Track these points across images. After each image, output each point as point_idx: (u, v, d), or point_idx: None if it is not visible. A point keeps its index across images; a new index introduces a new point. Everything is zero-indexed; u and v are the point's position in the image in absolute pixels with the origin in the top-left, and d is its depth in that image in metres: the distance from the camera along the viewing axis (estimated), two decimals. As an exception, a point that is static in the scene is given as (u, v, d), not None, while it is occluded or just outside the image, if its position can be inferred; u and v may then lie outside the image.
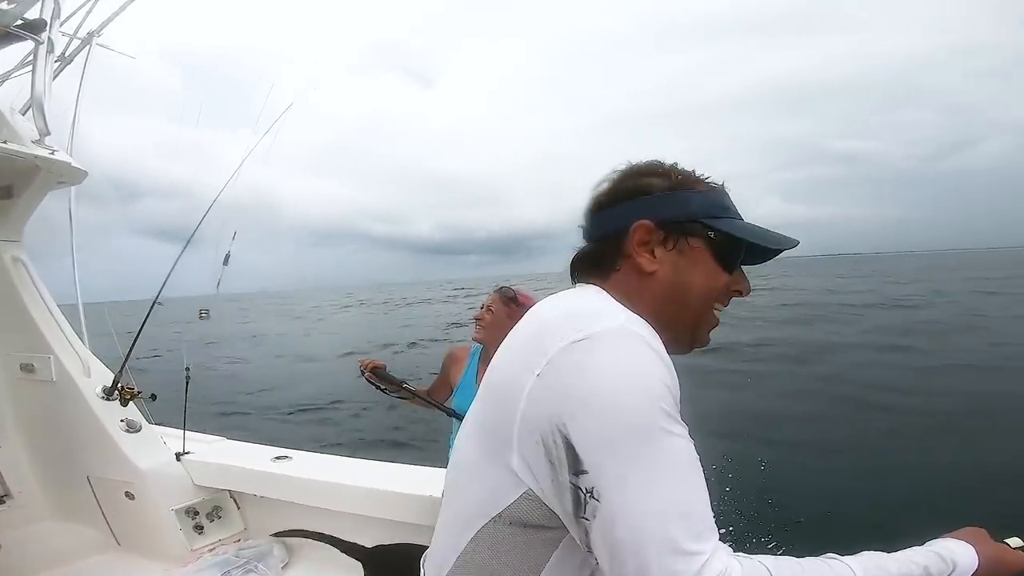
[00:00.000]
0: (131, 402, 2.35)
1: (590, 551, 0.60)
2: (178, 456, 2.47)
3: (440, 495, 1.98)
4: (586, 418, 0.57)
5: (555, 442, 0.59)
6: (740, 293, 0.77)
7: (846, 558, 0.63)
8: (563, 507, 0.60)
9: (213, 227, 2.25)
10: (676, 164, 0.78)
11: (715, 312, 0.76)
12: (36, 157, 2.04)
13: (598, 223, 0.78)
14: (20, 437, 2.53)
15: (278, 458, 2.44)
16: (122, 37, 2.77)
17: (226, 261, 2.20)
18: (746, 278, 0.78)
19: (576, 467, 0.57)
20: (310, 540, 2.44)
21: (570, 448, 0.58)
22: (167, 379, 2.51)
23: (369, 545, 2.07)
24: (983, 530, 0.72)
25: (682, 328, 0.75)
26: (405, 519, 2.16)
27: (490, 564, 0.67)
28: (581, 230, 0.81)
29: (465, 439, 0.76)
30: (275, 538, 2.50)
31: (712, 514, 0.58)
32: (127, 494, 2.38)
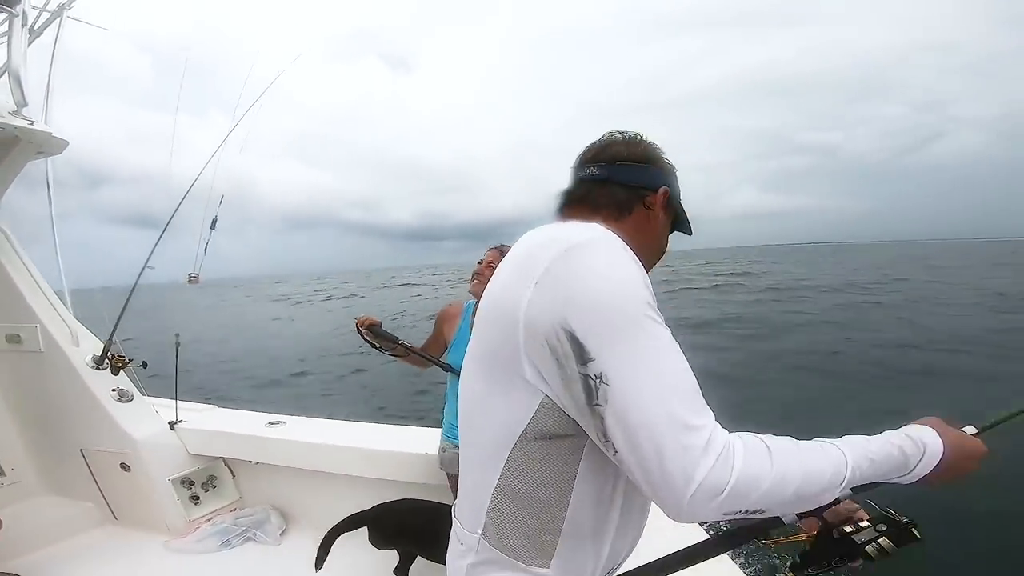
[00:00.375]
0: (122, 371, 2.31)
1: (607, 441, 0.63)
2: (171, 425, 2.45)
3: (436, 452, 1.98)
4: (586, 311, 0.62)
5: (559, 339, 0.63)
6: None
7: (835, 440, 0.69)
8: (575, 402, 0.64)
9: (182, 216, 2.23)
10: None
11: (660, 256, 0.94)
12: (16, 128, 1.99)
13: (630, 172, 0.87)
14: (9, 412, 2.49)
15: (272, 423, 2.43)
16: (92, 14, 2.70)
17: (213, 225, 2.17)
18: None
19: (583, 356, 0.62)
20: (304, 506, 2.43)
21: (574, 340, 0.62)
22: (152, 354, 2.48)
23: (365, 505, 2.06)
24: (938, 418, 0.78)
25: (648, 257, 0.86)
26: (402, 478, 2.16)
27: (525, 488, 0.72)
28: (584, 167, 0.89)
29: (470, 380, 0.79)
30: (271, 506, 2.50)
31: (700, 392, 0.63)
32: (122, 465, 2.36)
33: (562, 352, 0.63)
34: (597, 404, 0.62)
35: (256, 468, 2.46)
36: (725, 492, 0.59)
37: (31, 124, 2.11)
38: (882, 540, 0.81)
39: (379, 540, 1.96)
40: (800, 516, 0.82)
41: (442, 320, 2.04)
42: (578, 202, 0.87)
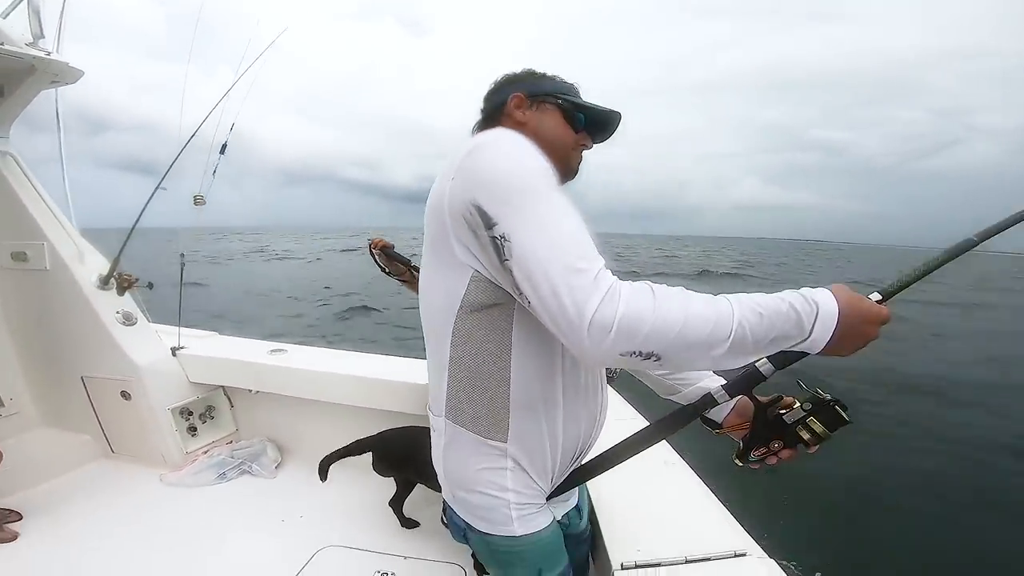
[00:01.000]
0: (127, 292, 2.30)
1: (520, 293, 0.72)
2: (173, 351, 2.43)
3: (426, 382, 1.96)
4: (487, 186, 0.74)
5: (471, 213, 0.74)
6: (586, 146, 1.04)
7: (727, 295, 0.72)
8: (492, 264, 0.75)
9: (184, 164, 2.25)
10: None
11: (576, 153, 1.04)
12: (34, 58, 2.02)
13: (490, 99, 1.05)
14: (11, 337, 2.47)
15: (274, 351, 2.41)
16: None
17: (223, 150, 2.17)
18: (589, 138, 1.05)
19: (488, 222, 0.73)
20: (299, 438, 2.40)
21: (480, 210, 0.73)
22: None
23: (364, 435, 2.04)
24: (844, 286, 0.78)
25: (551, 162, 0.90)
26: (404, 409, 2.14)
27: (471, 361, 0.84)
28: (481, 112, 1.07)
29: (423, 269, 0.90)
30: (267, 438, 2.47)
31: (594, 246, 0.72)
32: (123, 394, 2.34)
33: (474, 223, 0.74)
34: (506, 259, 0.72)
35: (254, 398, 2.44)
36: (614, 327, 0.65)
37: (47, 55, 2.14)
38: (811, 420, 0.83)
39: (383, 466, 1.93)
40: (732, 394, 0.88)
41: None
42: (477, 128, 1.06)
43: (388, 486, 1.97)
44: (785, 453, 0.88)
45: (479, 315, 0.81)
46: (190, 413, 2.44)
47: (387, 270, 2.03)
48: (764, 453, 0.88)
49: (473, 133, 1.01)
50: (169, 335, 2.47)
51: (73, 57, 2.23)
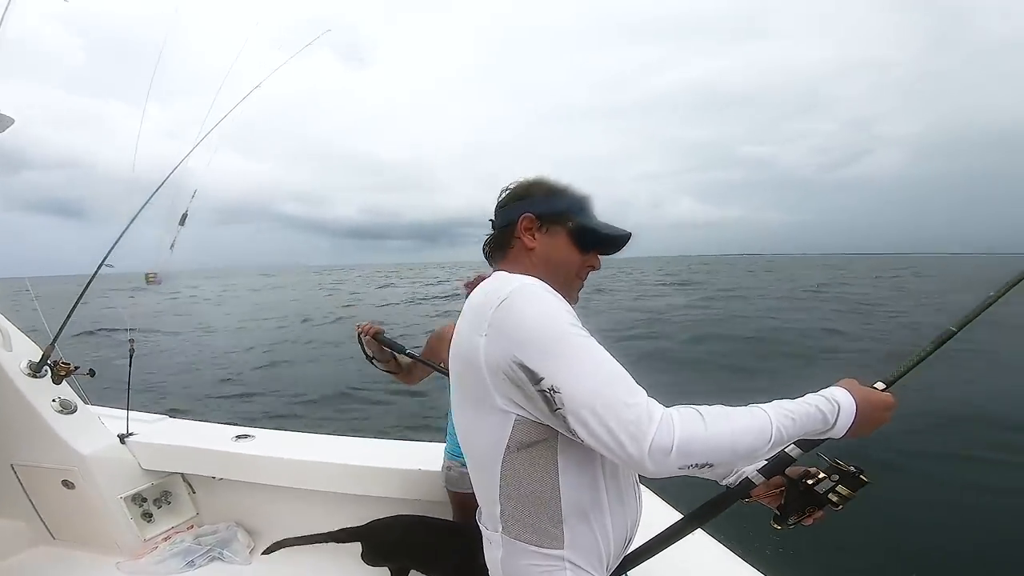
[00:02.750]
0: (64, 380, 2.04)
1: (574, 434, 0.80)
2: (122, 438, 2.20)
3: (429, 468, 1.90)
4: (526, 344, 0.81)
5: (513, 370, 0.82)
6: (592, 267, 1.06)
7: (762, 405, 0.84)
8: (542, 413, 0.83)
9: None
10: (555, 179, 1.06)
11: (580, 279, 1.05)
12: None
13: (500, 216, 1.06)
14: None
15: (240, 437, 2.23)
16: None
17: (183, 221, 1.93)
18: (597, 258, 1.05)
19: (534, 378, 0.80)
20: (271, 523, 2.27)
21: (524, 368, 0.81)
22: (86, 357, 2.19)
23: (348, 523, 1.95)
24: (854, 380, 0.93)
25: (556, 287, 0.95)
26: (386, 494, 2.05)
27: (523, 490, 0.90)
28: (491, 223, 1.09)
29: (459, 412, 0.97)
30: (236, 523, 2.32)
31: (631, 377, 0.80)
32: (65, 483, 2.10)
33: (519, 379, 0.82)
34: (558, 409, 0.80)
35: (218, 484, 2.27)
36: (673, 451, 0.75)
37: None
38: (839, 487, 0.97)
39: (375, 556, 1.85)
40: (767, 476, 0.99)
41: (436, 341, 1.92)
42: (487, 255, 1.09)
43: (376, 572, 1.89)
44: (818, 514, 1.02)
45: (525, 452, 0.88)
46: (143, 499, 2.23)
47: (373, 358, 1.92)
48: (800, 518, 1.02)
49: (484, 251, 1.10)
50: (113, 419, 2.23)
51: None
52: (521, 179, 1.08)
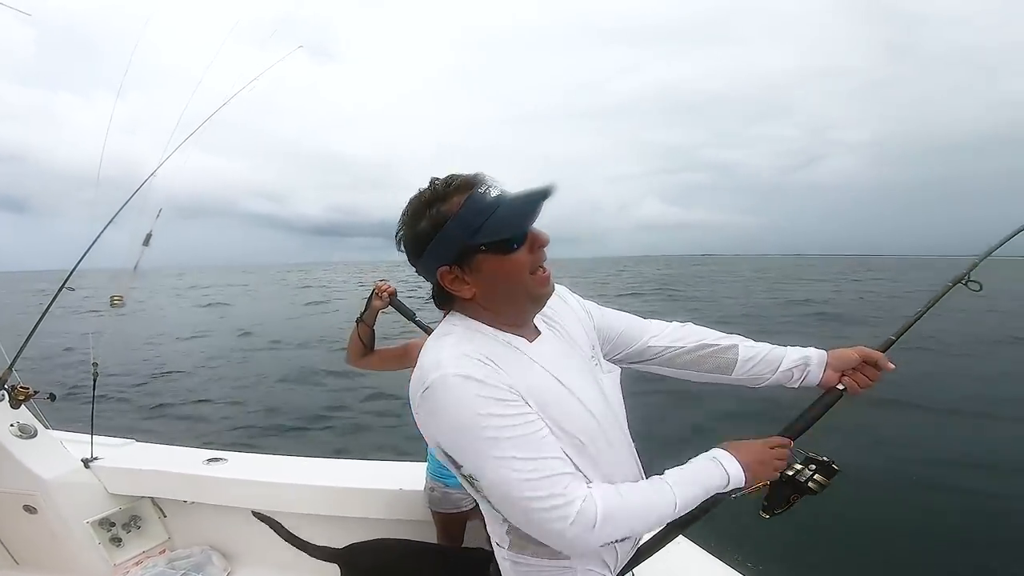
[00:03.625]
0: (23, 404, 1.94)
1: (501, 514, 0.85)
2: (86, 463, 2.12)
3: (409, 488, 1.85)
4: (443, 435, 0.82)
5: (442, 454, 0.85)
6: (542, 245, 0.90)
7: (667, 479, 0.90)
8: (471, 491, 0.86)
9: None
10: (434, 182, 0.89)
11: (537, 274, 0.90)
12: None
13: (421, 273, 0.94)
14: None
15: (211, 460, 2.16)
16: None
17: (147, 242, 1.83)
18: (536, 233, 0.89)
19: (455, 464, 0.83)
20: (247, 546, 2.21)
21: (446, 455, 0.84)
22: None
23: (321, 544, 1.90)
24: (734, 441, 0.99)
25: (520, 305, 0.92)
26: (366, 515, 2.00)
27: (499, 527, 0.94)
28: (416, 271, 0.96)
29: None
30: (210, 547, 2.25)
31: (554, 457, 0.81)
32: (27, 508, 2.02)
33: (446, 460, 0.85)
34: (480, 493, 0.83)
35: (190, 507, 2.20)
36: (594, 535, 0.80)
37: None
38: (816, 476, 1.04)
39: None
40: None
41: (413, 349, 1.86)
42: (439, 306, 0.99)
43: None
44: (797, 500, 1.08)
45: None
46: (112, 524, 2.15)
47: (362, 319, 1.84)
48: (786, 507, 1.08)
49: (436, 304, 0.99)
50: (75, 444, 2.14)
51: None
52: (401, 216, 0.92)
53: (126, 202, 1.85)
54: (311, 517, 2.02)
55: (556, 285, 1.03)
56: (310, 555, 1.69)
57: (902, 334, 1.16)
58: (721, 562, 1.66)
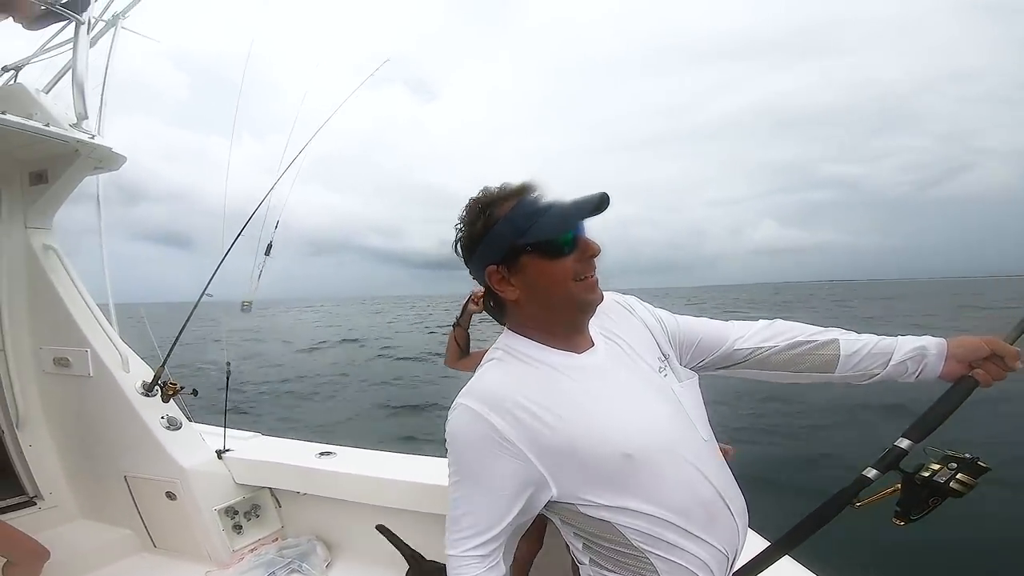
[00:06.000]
0: (172, 399, 2.27)
1: None
2: (219, 454, 2.39)
3: None
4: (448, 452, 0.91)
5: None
6: (592, 255, 0.90)
7: None
8: None
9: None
10: (488, 189, 0.93)
11: (583, 281, 0.90)
12: (77, 141, 1.96)
13: (474, 275, 0.97)
14: (51, 435, 2.44)
15: (322, 454, 2.37)
16: (141, 26, 2.67)
17: (268, 251, 2.13)
18: (587, 242, 0.90)
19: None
20: (349, 538, 2.36)
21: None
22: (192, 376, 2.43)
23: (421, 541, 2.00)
24: None
25: (565, 314, 0.93)
26: None
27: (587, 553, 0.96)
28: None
29: None
30: (316, 537, 2.44)
31: (478, 526, 0.87)
32: (168, 494, 2.30)
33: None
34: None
35: (302, 498, 2.41)
36: None
37: (91, 138, 2.08)
38: (959, 476, 0.94)
39: None
40: (883, 471, 0.98)
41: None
42: (495, 317, 1.05)
43: None
44: (938, 503, 0.97)
45: (564, 525, 0.94)
46: (235, 512, 2.40)
47: (458, 324, 2.00)
48: (925, 510, 0.98)
49: (488, 310, 1.05)
50: (212, 436, 2.43)
51: (115, 126, 2.19)
52: (458, 220, 0.96)
53: (245, 224, 2.16)
54: (407, 512, 2.15)
55: (625, 295, 1.09)
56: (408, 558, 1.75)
57: None
58: None
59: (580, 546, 0.93)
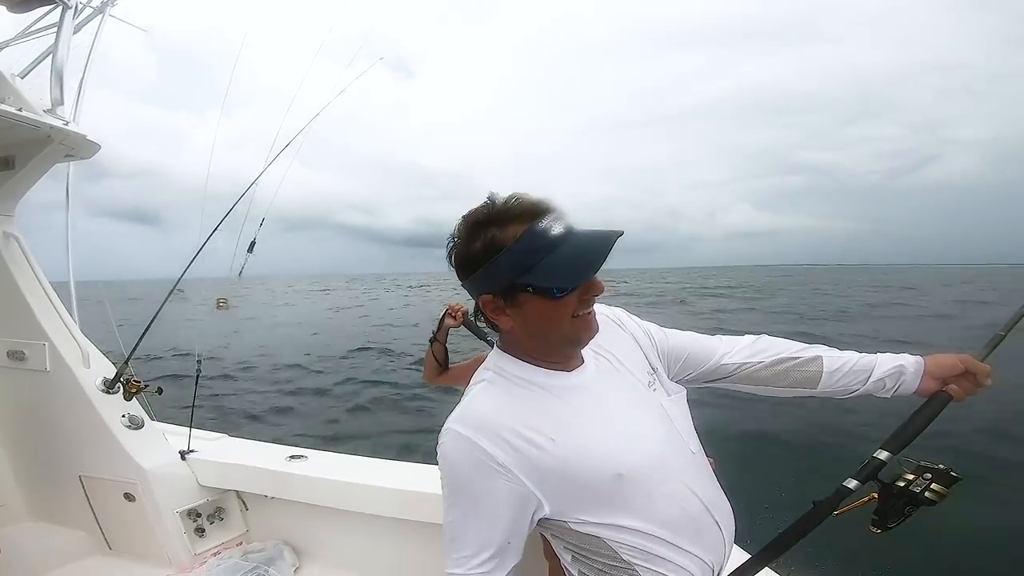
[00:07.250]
0: (134, 396, 2.18)
1: None
2: (183, 455, 2.31)
3: None
4: (441, 476, 0.90)
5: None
6: (596, 293, 0.88)
7: None
8: None
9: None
10: (494, 200, 0.87)
11: (580, 318, 0.89)
12: (51, 127, 1.87)
13: (466, 289, 0.94)
14: (2, 431, 2.31)
15: (293, 457, 2.31)
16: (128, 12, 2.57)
17: (251, 249, 2.06)
18: (593, 281, 0.87)
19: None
20: (318, 543, 2.32)
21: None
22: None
23: (391, 547, 1.98)
24: None
25: (556, 348, 0.93)
26: (431, 520, 2.08)
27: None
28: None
29: None
30: (283, 541, 2.38)
31: (475, 548, 0.86)
32: (127, 495, 2.21)
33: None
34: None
35: (270, 502, 2.34)
36: None
37: (65, 124, 1.99)
38: (933, 486, 0.97)
39: None
40: (863, 482, 1.00)
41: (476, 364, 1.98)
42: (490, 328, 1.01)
43: None
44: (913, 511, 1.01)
45: (554, 539, 0.95)
46: (198, 515, 2.32)
47: (435, 339, 1.96)
48: (900, 519, 1.01)
49: (475, 319, 1.02)
50: (176, 436, 2.35)
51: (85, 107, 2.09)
52: (455, 226, 0.91)
53: (229, 211, 2.09)
54: (377, 518, 2.12)
55: (614, 308, 1.12)
56: None
57: (996, 345, 1.05)
58: None
59: (569, 558, 0.95)
